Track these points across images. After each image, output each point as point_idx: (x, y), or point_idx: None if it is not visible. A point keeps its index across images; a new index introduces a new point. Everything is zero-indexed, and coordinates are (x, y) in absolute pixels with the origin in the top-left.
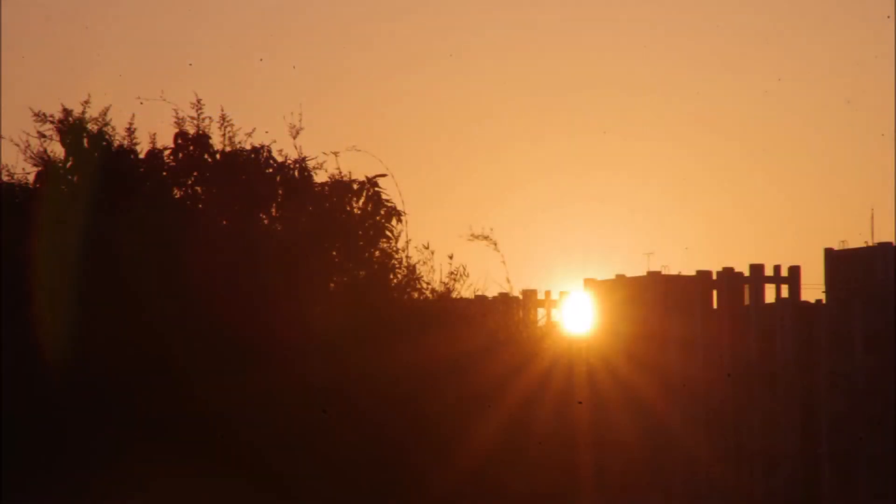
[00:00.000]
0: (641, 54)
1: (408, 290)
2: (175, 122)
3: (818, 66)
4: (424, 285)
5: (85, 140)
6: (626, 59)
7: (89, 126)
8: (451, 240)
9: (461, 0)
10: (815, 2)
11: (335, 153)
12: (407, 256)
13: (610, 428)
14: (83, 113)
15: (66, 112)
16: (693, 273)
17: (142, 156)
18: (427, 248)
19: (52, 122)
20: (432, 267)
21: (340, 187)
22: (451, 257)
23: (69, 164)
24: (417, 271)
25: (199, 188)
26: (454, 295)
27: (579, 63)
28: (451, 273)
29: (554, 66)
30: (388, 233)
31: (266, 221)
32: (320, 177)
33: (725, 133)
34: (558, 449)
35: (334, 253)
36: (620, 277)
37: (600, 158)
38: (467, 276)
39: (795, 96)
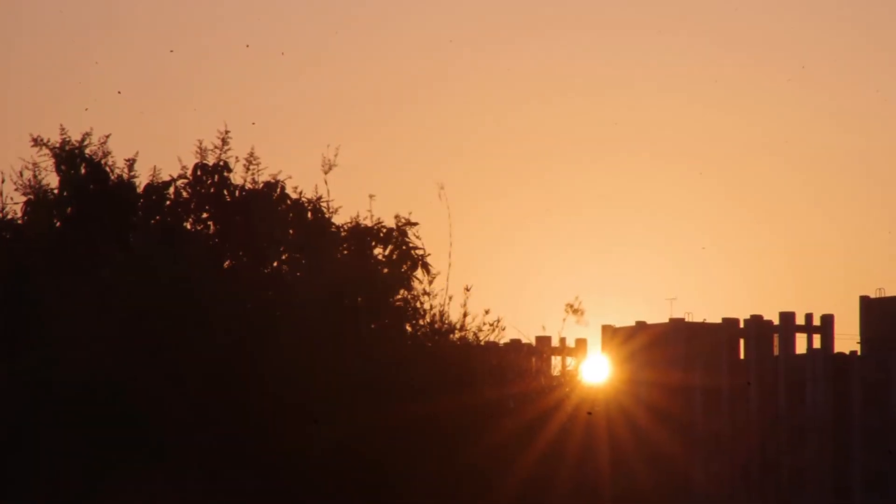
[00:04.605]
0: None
1: (434, 336)
2: (197, 152)
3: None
4: (456, 334)
5: (83, 169)
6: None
7: (87, 153)
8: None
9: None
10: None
11: (372, 196)
12: (425, 302)
13: (629, 484)
14: (83, 141)
15: (65, 138)
16: (719, 321)
17: (139, 190)
18: (468, 289)
19: (48, 148)
20: (467, 314)
21: (362, 233)
22: (487, 312)
23: (64, 194)
24: (447, 317)
25: (212, 223)
26: (470, 338)
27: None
28: (490, 324)
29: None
30: (411, 283)
31: (276, 265)
32: (341, 218)
33: (752, 169)
34: None
35: (351, 308)
36: (640, 324)
37: (625, 198)
38: (503, 329)
39: (828, 134)
